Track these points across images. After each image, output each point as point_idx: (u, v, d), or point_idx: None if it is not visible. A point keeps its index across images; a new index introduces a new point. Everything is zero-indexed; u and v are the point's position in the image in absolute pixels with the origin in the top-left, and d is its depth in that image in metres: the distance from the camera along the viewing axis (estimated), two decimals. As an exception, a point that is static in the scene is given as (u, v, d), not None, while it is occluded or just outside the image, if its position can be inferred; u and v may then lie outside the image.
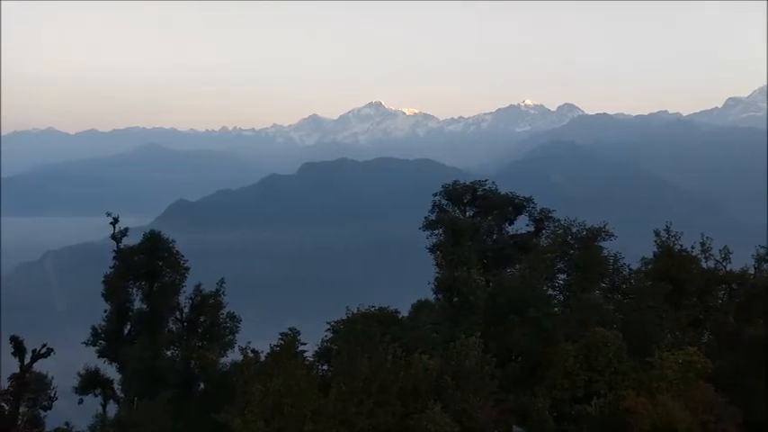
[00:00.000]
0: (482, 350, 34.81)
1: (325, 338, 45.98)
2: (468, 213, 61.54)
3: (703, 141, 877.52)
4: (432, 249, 51.38)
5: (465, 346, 33.62)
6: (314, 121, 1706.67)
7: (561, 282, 49.92)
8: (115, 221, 55.29)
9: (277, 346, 35.36)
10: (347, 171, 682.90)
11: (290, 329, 46.33)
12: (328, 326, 46.16)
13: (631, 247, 52.88)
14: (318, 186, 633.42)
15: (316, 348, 45.40)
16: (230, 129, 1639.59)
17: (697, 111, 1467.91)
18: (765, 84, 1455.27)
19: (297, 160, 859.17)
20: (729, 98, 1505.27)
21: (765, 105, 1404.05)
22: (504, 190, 65.60)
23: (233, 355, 49.13)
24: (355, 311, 41.04)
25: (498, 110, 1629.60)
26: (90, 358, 53.37)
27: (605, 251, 50.30)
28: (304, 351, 45.24)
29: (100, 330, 52.05)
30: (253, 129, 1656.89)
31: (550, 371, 35.16)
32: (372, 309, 45.23)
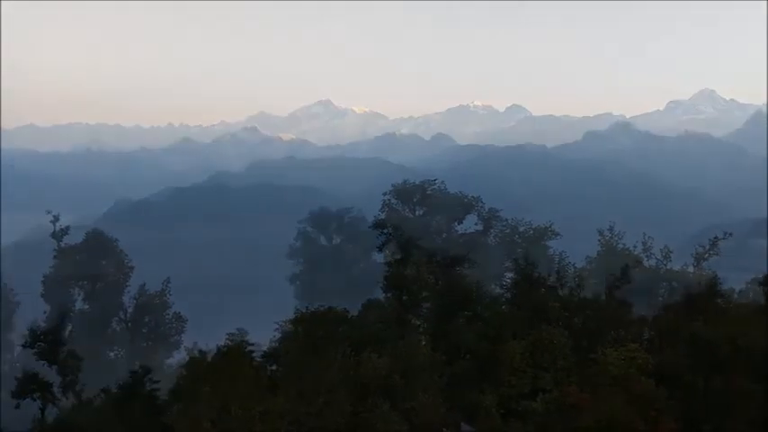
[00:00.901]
0: (431, 348, 35.01)
1: (274, 339, 45.57)
2: (417, 212, 61.96)
3: (646, 142, 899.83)
4: (380, 248, 51.45)
5: (414, 344, 33.74)
6: (262, 118, 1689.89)
7: (508, 280, 50.58)
8: (55, 220, 53.64)
9: (224, 346, 34.88)
10: (295, 170, 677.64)
11: (238, 330, 45.78)
12: (277, 326, 45.81)
13: (579, 245, 54.03)
14: (267, 184, 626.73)
15: (264, 349, 44.97)
16: (177, 125, 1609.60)
17: (639, 113, 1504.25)
18: (706, 87, 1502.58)
19: (245, 158, 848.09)
20: (670, 101, 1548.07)
21: (706, 108, 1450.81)
22: (454, 189, 66.30)
23: (179, 356, 48.25)
24: (303, 311, 40.73)
25: (448, 110, 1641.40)
26: (28, 360, 51.03)
27: (551, 250, 51.25)
28: (252, 351, 44.74)
29: (38, 332, 49.71)
30: (200, 125, 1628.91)
31: (498, 368, 35.54)
32: (321, 308, 45.02)
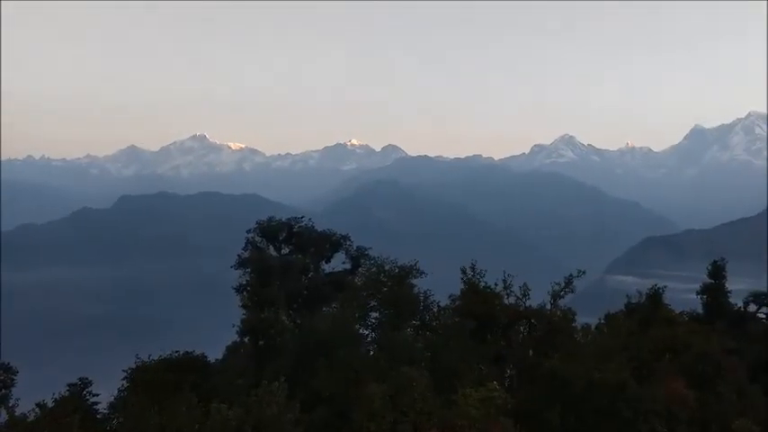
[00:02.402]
0: (287, 395, 33.11)
1: (122, 388, 41.99)
2: (283, 251, 60.01)
3: (514, 184, 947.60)
4: (238, 290, 49.02)
5: (268, 392, 31.75)
6: (132, 153, 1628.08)
7: (374, 320, 49.62)
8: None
9: (54, 400, 31.37)
10: (168, 205, 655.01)
11: (80, 380, 42.03)
12: (125, 374, 42.27)
13: (447, 283, 54.03)
14: (136, 221, 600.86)
15: (112, 399, 41.40)
16: (37, 158, 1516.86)
17: (507, 156, 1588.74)
18: (567, 133, 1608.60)
19: (113, 193, 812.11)
20: (535, 145, 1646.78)
21: (566, 153, 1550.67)
22: (330, 227, 65.00)
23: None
24: (147, 359, 37.71)
25: (325, 148, 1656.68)
26: None
27: (417, 288, 50.80)
28: (95, 403, 41.03)
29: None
30: (63, 159, 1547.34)
31: (356, 413, 34.22)
32: (176, 353, 42.10)
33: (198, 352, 43.81)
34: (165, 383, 31.71)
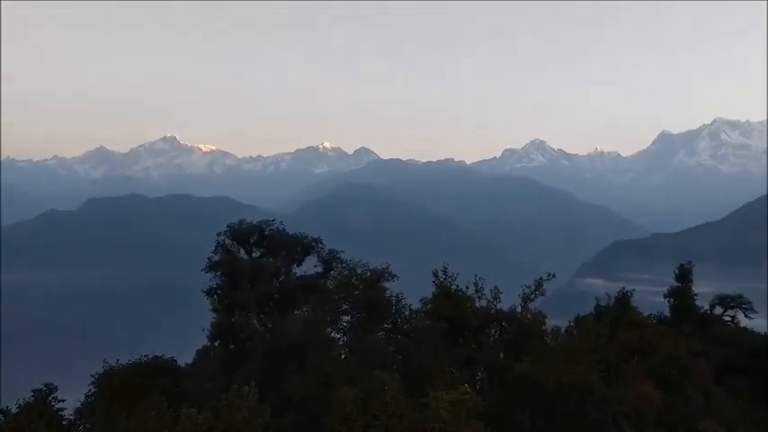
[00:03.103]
0: (258, 400, 32.85)
1: (89, 393, 41.30)
2: (254, 254, 59.60)
3: (485, 188, 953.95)
4: (208, 293, 48.53)
5: (238, 396, 31.49)
6: (101, 154, 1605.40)
7: (345, 324, 49.49)
8: None
9: (19, 407, 30.74)
10: (137, 207, 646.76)
11: (46, 385, 41.26)
12: (92, 379, 41.59)
13: (419, 286, 54.12)
14: (104, 223, 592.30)
15: (78, 404, 40.73)
16: (2, 159, 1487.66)
17: (479, 159, 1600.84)
18: (537, 137, 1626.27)
19: (81, 195, 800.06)
20: (506, 149, 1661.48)
21: (537, 157, 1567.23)
22: (302, 230, 64.69)
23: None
24: (115, 363, 37.17)
25: (297, 150, 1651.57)
26: None
27: (389, 291, 50.80)
28: (61, 409, 40.29)
29: None
30: (30, 160, 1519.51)
31: (327, 417, 34.07)
32: (145, 358, 41.58)
33: (167, 356, 43.34)
34: (134, 388, 31.23)
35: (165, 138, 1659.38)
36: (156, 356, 42.01)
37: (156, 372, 37.26)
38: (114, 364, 37.27)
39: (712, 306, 75.01)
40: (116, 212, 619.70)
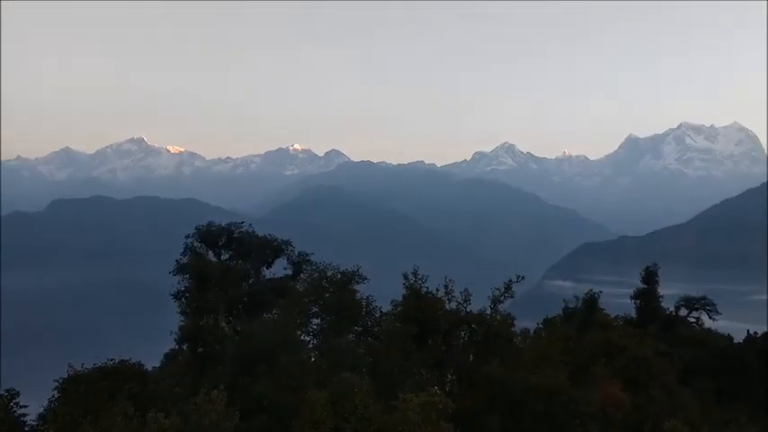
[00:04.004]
0: (227, 403, 32.52)
1: (52, 398, 40.49)
2: (223, 257, 59.07)
3: (455, 190, 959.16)
4: (176, 296, 47.92)
5: (207, 400, 31.13)
6: (66, 155, 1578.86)
7: (315, 326, 49.31)
8: None
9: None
10: (103, 209, 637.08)
11: (7, 391, 40.36)
12: (56, 383, 40.79)
13: (389, 289, 54.10)
14: (70, 225, 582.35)
15: (42, 410, 39.89)
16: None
17: (449, 162, 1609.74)
18: (507, 141, 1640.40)
19: (45, 196, 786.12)
20: (476, 152, 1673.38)
21: (506, 160, 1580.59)
22: (271, 232, 64.26)
23: None
24: (80, 368, 36.48)
25: (267, 152, 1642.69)
26: None
27: (359, 294, 50.72)
28: (23, 415, 39.46)
29: None
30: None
31: (297, 421, 33.89)
32: (111, 361, 40.87)
33: (134, 360, 42.68)
34: (99, 392, 30.67)
35: (132, 139, 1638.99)
36: (122, 360, 41.31)
37: (122, 376, 36.61)
38: (79, 368, 36.55)
39: (677, 308, 76.37)
40: (82, 214, 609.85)
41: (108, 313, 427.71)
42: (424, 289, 50.39)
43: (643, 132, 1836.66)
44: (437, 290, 49.93)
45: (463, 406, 38.92)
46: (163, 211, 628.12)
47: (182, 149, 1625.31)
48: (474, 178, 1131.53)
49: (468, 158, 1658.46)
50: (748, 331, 69.79)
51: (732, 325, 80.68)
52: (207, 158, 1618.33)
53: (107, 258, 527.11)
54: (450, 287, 49.85)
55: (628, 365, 48.66)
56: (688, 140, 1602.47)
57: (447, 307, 49.56)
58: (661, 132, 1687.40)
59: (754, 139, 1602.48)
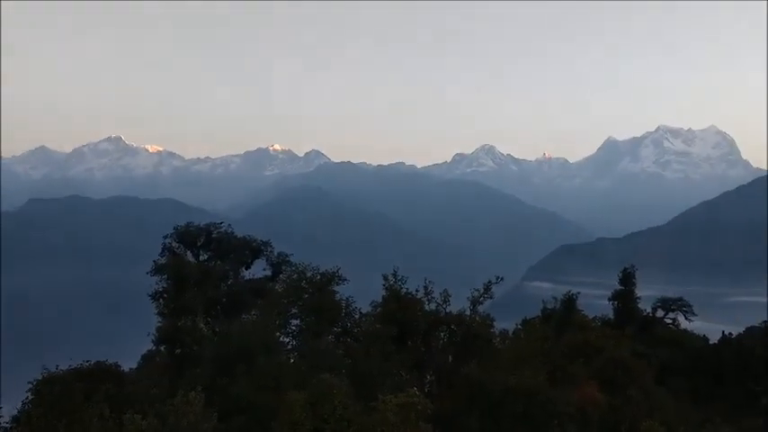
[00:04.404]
0: (205, 405, 32.28)
1: (26, 400, 39.91)
2: (202, 257, 58.67)
3: (435, 192, 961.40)
4: (154, 297, 47.49)
5: (185, 402, 30.87)
6: (42, 154, 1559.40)
7: (294, 328, 49.13)
8: None
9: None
10: (80, 209, 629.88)
11: (-17, 394, 39.72)
12: (30, 386, 40.20)
13: (369, 290, 54.03)
14: (46, 224, 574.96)
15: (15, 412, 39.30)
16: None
17: (429, 164, 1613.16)
18: (487, 143, 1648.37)
19: (20, 196, 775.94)
20: (456, 154, 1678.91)
21: (486, 162, 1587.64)
22: (250, 233, 63.97)
23: None
24: (55, 369, 35.99)
25: (246, 152, 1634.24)
26: None
27: (339, 295, 50.61)
28: (-2, 417, 38.81)
29: None
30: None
31: (276, 422, 33.73)
32: (87, 363, 40.38)
33: (111, 361, 42.21)
34: (75, 394, 30.28)
35: (109, 138, 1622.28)
36: (98, 362, 40.84)
37: (98, 377, 36.17)
38: (54, 370, 36.05)
39: (654, 309, 77.18)
40: (59, 214, 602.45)
41: (84, 314, 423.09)
42: (404, 290, 50.39)
43: (622, 135, 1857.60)
44: (417, 291, 49.94)
45: (442, 407, 38.96)
46: (141, 212, 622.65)
47: (160, 149, 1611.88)
48: (454, 180, 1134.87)
49: (449, 160, 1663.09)
50: (724, 332, 70.75)
51: (708, 326, 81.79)
52: (186, 158, 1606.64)
53: (83, 259, 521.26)
54: (429, 288, 49.90)
55: (605, 366, 49.07)
56: (666, 143, 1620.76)
57: (426, 308, 49.59)
58: (639, 135, 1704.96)
59: (730, 142, 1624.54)
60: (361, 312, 50.70)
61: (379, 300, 51.45)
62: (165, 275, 49.89)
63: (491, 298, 49.98)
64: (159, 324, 41.77)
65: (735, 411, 53.93)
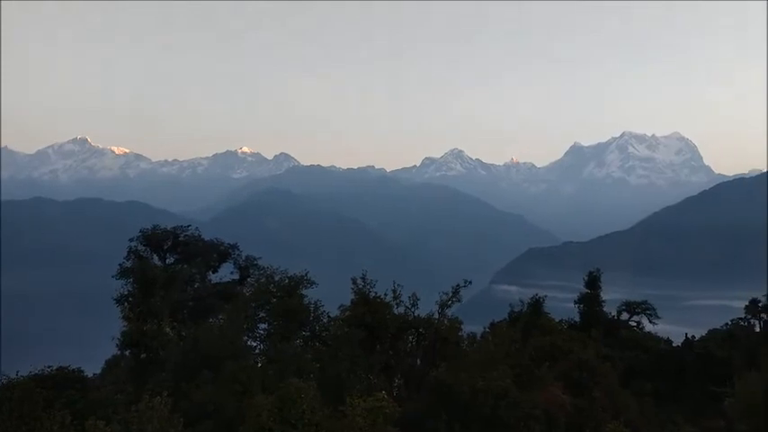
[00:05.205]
0: (171, 410, 31.87)
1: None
2: (168, 260, 58.01)
3: (404, 195, 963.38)
4: (119, 301, 46.82)
5: (149, 407, 30.42)
6: (5, 155, 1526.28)
7: (262, 332, 48.81)
8: None
9: None
10: (43, 211, 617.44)
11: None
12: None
13: (338, 293, 53.93)
14: (8, 227, 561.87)
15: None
16: None
17: (399, 168, 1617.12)
18: (456, 147, 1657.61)
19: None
20: (426, 158, 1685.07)
21: (456, 166, 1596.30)
22: (218, 236, 63.52)
23: None
24: (15, 375, 35.22)
25: (215, 155, 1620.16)
26: None
27: (307, 299, 50.41)
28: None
29: None
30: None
31: (243, 427, 33.44)
32: (49, 368, 39.60)
33: (74, 366, 41.44)
34: (35, 401, 29.63)
35: (75, 139, 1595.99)
36: (61, 367, 40.07)
37: (60, 383, 35.50)
38: (14, 376, 35.23)
39: (619, 312, 78.39)
40: (21, 216, 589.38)
41: (47, 318, 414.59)
42: (373, 293, 50.41)
43: (588, 140, 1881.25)
44: (385, 294, 50.02)
45: (410, 410, 39.05)
46: (106, 214, 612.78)
47: (127, 150, 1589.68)
48: (423, 183, 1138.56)
49: (418, 164, 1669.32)
50: (686, 335, 72.18)
51: (671, 328, 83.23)
52: (153, 160, 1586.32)
53: (48, 262, 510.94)
54: (398, 292, 50.03)
55: (571, 368, 49.63)
56: (630, 149, 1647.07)
57: (395, 311, 49.69)
58: (604, 141, 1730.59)
59: (693, 148, 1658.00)
60: (329, 316, 50.57)
61: (348, 303, 51.41)
62: (131, 279, 49.19)
63: (459, 301, 50.26)
64: (124, 328, 41.13)
65: (697, 412, 55.00)
